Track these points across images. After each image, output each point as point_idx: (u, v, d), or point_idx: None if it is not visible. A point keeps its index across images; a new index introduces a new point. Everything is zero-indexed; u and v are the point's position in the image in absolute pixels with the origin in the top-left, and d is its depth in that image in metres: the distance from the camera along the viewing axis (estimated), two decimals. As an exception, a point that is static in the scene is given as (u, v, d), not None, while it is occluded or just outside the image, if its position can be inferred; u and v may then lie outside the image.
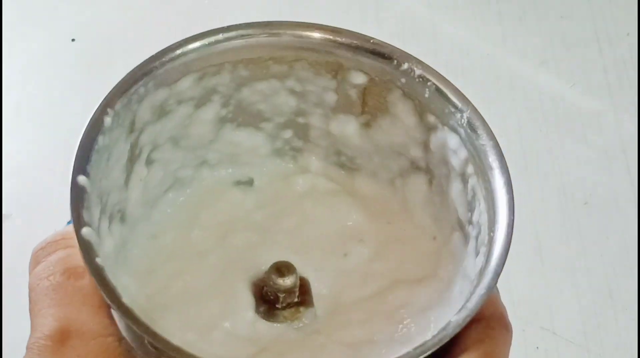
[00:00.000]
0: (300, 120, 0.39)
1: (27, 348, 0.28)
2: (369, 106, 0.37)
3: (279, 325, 0.35)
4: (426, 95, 0.35)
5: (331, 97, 0.38)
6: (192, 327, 0.34)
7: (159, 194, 0.38)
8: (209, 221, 0.38)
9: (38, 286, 0.30)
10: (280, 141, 0.40)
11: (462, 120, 0.34)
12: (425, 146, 0.37)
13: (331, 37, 0.36)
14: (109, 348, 0.28)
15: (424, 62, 0.35)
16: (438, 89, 0.35)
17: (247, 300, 0.36)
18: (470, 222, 0.34)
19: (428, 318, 0.34)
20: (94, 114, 0.33)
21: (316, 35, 0.36)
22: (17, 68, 0.68)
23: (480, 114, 0.34)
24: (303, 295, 0.36)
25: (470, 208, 0.34)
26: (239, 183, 0.40)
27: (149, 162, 0.37)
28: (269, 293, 0.35)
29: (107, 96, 0.33)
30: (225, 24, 0.37)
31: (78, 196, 0.30)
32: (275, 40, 0.36)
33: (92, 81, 0.67)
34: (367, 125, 0.38)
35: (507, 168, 0.33)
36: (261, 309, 0.35)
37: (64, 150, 0.68)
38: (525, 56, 0.66)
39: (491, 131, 0.34)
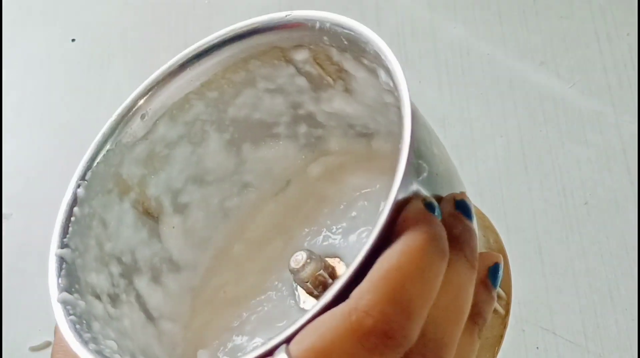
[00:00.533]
0: (301, 111, 0.39)
1: None
2: (331, 73, 0.38)
3: None
4: (345, 42, 0.35)
5: (301, 80, 0.38)
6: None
7: (212, 233, 0.40)
8: (251, 235, 0.39)
9: None
10: (302, 137, 0.40)
11: (371, 50, 0.34)
12: (383, 89, 0.37)
13: (250, 28, 0.37)
14: None
15: (333, 14, 0.36)
16: (348, 30, 0.35)
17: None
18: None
19: None
20: (69, 189, 0.35)
21: (235, 36, 0.37)
22: (17, 68, 0.69)
23: (380, 39, 0.34)
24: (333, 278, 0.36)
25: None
26: (279, 191, 0.41)
27: (181, 209, 0.38)
28: (300, 286, 0.36)
29: (77, 169, 0.35)
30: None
31: (58, 266, 0.33)
32: (212, 60, 0.37)
33: (92, 81, 0.67)
34: (347, 91, 0.38)
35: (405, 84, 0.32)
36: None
37: (64, 150, 0.68)
38: (525, 56, 0.66)
39: (390, 51, 0.33)
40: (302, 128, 0.40)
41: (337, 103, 0.39)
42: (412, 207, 0.27)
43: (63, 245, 0.34)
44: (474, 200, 0.62)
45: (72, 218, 0.34)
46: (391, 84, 0.33)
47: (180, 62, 0.37)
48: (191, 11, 0.69)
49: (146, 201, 0.37)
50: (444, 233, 0.27)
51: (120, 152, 0.36)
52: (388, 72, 0.32)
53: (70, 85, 0.68)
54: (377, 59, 0.33)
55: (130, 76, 0.67)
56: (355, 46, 0.35)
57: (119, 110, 0.37)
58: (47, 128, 0.66)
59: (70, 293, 0.32)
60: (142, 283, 0.36)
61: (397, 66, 0.31)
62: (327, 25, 0.35)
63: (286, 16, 0.36)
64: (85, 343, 0.31)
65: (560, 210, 0.58)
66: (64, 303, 0.32)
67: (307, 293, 0.36)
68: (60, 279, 0.33)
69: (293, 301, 0.37)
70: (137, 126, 0.36)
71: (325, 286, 0.36)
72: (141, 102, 0.36)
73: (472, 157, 0.61)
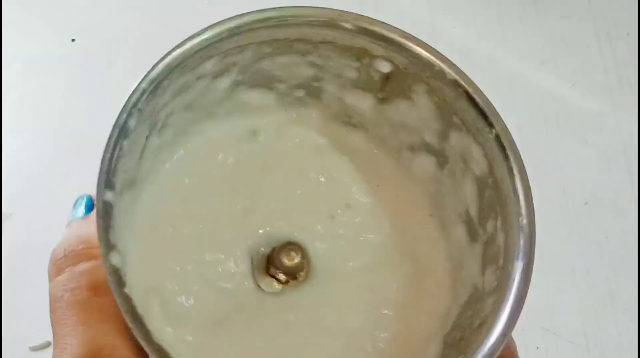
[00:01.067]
0: (315, 84, 0.38)
1: None
2: (389, 88, 0.36)
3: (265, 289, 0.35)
4: (453, 97, 0.34)
5: (352, 74, 0.37)
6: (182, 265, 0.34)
7: (170, 153, 0.37)
8: (206, 174, 0.37)
9: (62, 298, 0.30)
10: (291, 98, 0.39)
11: (490, 134, 0.34)
12: (444, 136, 0.36)
13: (365, 26, 0.36)
14: None
15: (458, 67, 0.35)
16: (469, 96, 0.34)
17: (244, 261, 0.35)
18: (481, 225, 0.34)
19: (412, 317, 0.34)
20: (118, 120, 0.32)
21: (348, 25, 0.36)
22: (17, 68, 0.68)
23: (509, 134, 0.34)
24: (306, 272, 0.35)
25: (483, 213, 0.34)
26: (243, 136, 0.39)
27: (162, 128, 0.36)
28: (272, 268, 0.35)
29: (130, 98, 0.33)
30: None
31: (106, 215, 0.29)
32: (305, 26, 0.35)
33: (92, 81, 0.67)
34: (383, 101, 0.37)
35: (533, 210, 0.33)
36: (258, 276, 0.35)
37: (64, 150, 0.68)
38: (525, 56, 0.66)
39: (520, 157, 0.34)
40: (300, 92, 0.39)
41: (363, 104, 0.38)
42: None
43: (112, 187, 0.30)
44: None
45: (120, 153, 0.32)
46: (491, 182, 0.34)
47: (263, 20, 0.35)
48: (191, 11, 0.69)
49: (155, 124, 0.36)
50: None
51: (170, 82, 0.35)
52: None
53: (70, 85, 0.68)
54: (494, 155, 0.34)
55: (130, 76, 0.67)
56: (464, 109, 0.34)
57: (184, 48, 0.35)
58: (47, 128, 0.66)
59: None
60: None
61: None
62: (449, 77, 0.35)
63: (405, 36, 0.36)
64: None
65: (560, 210, 0.58)
66: (119, 269, 0.29)
67: (270, 275, 0.35)
68: (110, 232, 0.29)
69: (251, 279, 0.35)
70: (200, 56, 0.35)
71: (294, 278, 0.35)
72: (211, 41, 0.35)
73: (472, 157, 0.61)
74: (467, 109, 0.34)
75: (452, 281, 0.35)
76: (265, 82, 0.38)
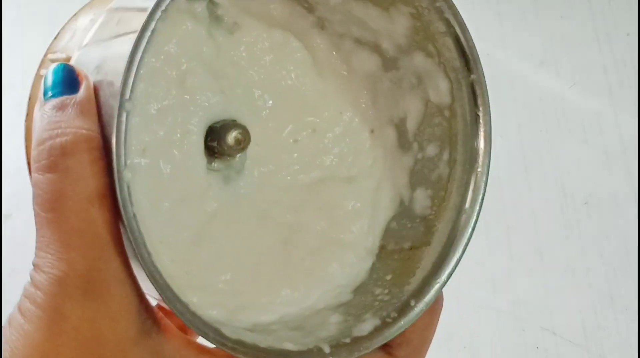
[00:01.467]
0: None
1: (57, 279, 0.26)
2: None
3: (228, 188, 0.35)
4: (439, 31, 0.35)
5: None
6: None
7: None
8: (176, 52, 0.35)
9: (52, 191, 0.26)
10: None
11: (466, 79, 0.35)
12: (404, 51, 0.36)
13: None
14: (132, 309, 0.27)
15: (455, 7, 0.35)
16: (457, 39, 0.35)
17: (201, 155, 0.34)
18: (416, 140, 0.35)
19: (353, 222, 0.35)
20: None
21: None
22: (17, 68, 0.69)
23: (484, 83, 0.35)
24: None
25: (423, 133, 0.35)
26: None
27: None
28: (217, 149, 0.34)
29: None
30: None
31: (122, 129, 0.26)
32: None
33: (92, 81, 0.67)
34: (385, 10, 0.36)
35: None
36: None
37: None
38: (525, 56, 0.66)
39: (489, 104, 0.35)
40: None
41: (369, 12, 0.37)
42: None
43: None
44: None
45: None
46: (447, 113, 0.35)
47: None
48: (191, 11, 0.69)
49: None
50: None
51: None
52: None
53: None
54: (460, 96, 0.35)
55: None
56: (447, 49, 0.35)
57: None
58: (47, 128, 0.66)
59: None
60: None
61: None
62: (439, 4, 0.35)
63: None
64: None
65: (560, 210, 0.58)
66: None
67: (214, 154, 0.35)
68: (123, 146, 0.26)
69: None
70: None
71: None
72: None
73: (472, 157, 0.61)
74: (450, 47, 0.35)
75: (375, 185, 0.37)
76: None
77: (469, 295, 0.54)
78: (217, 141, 0.34)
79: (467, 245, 0.33)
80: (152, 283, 0.26)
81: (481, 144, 0.35)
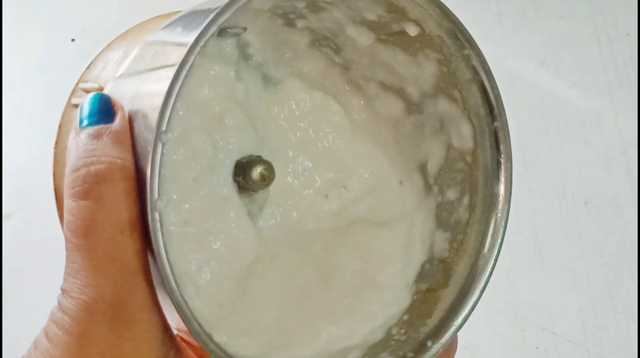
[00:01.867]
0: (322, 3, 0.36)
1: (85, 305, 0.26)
2: (399, 39, 0.37)
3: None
4: (466, 79, 0.36)
5: (370, 16, 0.36)
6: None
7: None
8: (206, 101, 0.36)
9: (86, 219, 0.26)
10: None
11: (489, 125, 0.35)
12: (430, 96, 0.37)
13: None
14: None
15: (482, 55, 0.36)
16: (482, 86, 0.36)
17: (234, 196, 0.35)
18: (437, 183, 0.36)
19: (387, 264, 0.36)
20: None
21: None
22: (17, 68, 0.69)
23: (507, 130, 0.35)
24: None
25: (444, 176, 0.36)
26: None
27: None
28: (241, 183, 0.35)
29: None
30: None
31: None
32: None
33: (92, 81, 0.67)
34: (382, 41, 0.37)
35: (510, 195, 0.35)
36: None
37: (64, 150, 0.68)
38: (525, 56, 0.66)
39: (511, 151, 0.35)
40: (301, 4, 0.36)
41: (364, 38, 0.37)
42: None
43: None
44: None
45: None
46: (469, 159, 0.35)
47: None
48: (191, 11, 0.69)
49: None
50: None
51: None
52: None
53: (70, 85, 0.68)
54: (483, 141, 0.35)
55: (130, 76, 0.67)
56: (472, 96, 0.36)
57: None
58: (47, 128, 0.66)
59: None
60: None
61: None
62: (473, 58, 0.36)
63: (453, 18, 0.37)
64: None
65: (560, 210, 0.58)
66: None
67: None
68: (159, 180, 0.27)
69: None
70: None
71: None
72: None
73: (472, 157, 0.61)
74: (475, 94, 0.36)
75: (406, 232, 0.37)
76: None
77: (469, 295, 0.54)
78: (243, 176, 0.35)
79: (484, 288, 0.34)
80: (179, 315, 0.26)
81: (501, 190, 0.35)
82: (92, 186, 0.26)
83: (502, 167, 0.35)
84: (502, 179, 0.35)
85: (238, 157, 0.35)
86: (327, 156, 0.38)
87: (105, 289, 0.26)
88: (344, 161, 0.38)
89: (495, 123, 0.35)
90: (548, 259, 0.56)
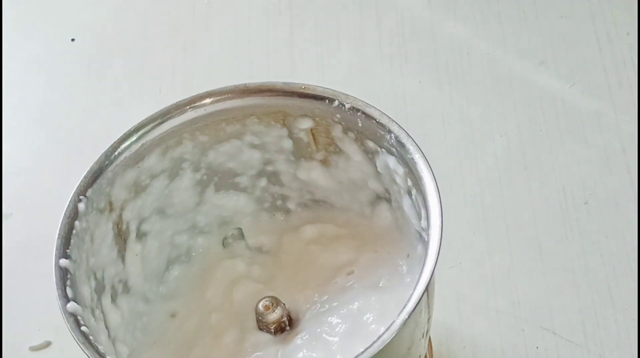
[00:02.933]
0: (269, 168, 0.43)
1: None
2: (320, 144, 0.41)
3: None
4: (359, 124, 0.38)
5: (287, 143, 0.41)
6: None
7: (162, 266, 0.43)
8: (215, 293, 0.42)
9: None
10: (258, 189, 0.44)
11: (392, 139, 0.37)
12: (376, 173, 0.40)
13: (267, 90, 0.39)
14: None
15: (350, 96, 0.39)
16: (367, 116, 0.38)
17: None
18: (423, 229, 0.38)
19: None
20: (69, 203, 0.37)
21: (255, 95, 0.40)
22: (17, 68, 0.69)
23: (405, 131, 0.37)
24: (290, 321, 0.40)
25: (420, 217, 0.38)
26: (229, 239, 0.44)
27: (141, 236, 0.41)
28: (262, 326, 0.40)
29: (78, 185, 0.37)
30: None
31: (62, 276, 0.34)
32: (220, 105, 0.40)
33: (92, 81, 0.67)
34: (325, 163, 0.41)
35: (434, 176, 0.36)
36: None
37: (64, 150, 0.68)
38: (524, 56, 0.66)
39: (416, 144, 0.37)
40: (262, 182, 0.43)
41: (313, 173, 0.42)
42: None
43: (66, 256, 0.35)
44: (474, 200, 0.63)
45: (73, 231, 0.36)
46: (410, 182, 0.37)
47: (188, 103, 0.39)
48: (191, 11, 0.69)
49: (121, 224, 0.39)
50: None
51: (115, 174, 0.38)
52: (416, 180, 0.36)
53: (70, 85, 0.68)
54: (401, 155, 0.37)
55: (130, 76, 0.67)
56: (370, 128, 0.38)
57: (122, 135, 0.39)
58: (47, 128, 0.66)
59: (77, 303, 0.34)
60: (106, 300, 0.38)
61: (431, 179, 0.36)
62: (347, 106, 0.38)
63: (304, 87, 0.39)
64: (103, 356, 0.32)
65: (560, 210, 0.58)
66: (75, 313, 0.33)
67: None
68: (67, 289, 0.34)
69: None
70: (134, 153, 0.39)
71: (283, 332, 0.40)
72: (144, 130, 0.39)
73: (471, 156, 0.61)
74: (370, 125, 0.38)
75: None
76: (227, 179, 0.43)
77: (468, 295, 0.54)
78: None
79: None
80: None
81: (424, 176, 0.37)
82: None
83: (416, 160, 0.37)
84: (422, 169, 0.37)
85: None
86: None
87: None
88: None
89: (392, 134, 0.38)
90: (548, 259, 0.56)
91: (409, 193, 0.38)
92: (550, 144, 0.61)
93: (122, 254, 0.40)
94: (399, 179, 0.39)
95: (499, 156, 0.61)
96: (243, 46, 0.67)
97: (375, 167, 0.40)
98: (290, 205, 0.44)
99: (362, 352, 0.31)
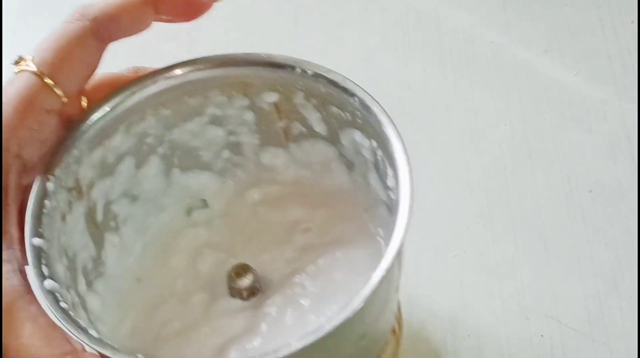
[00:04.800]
0: (232, 138, 0.42)
1: None
2: (282, 113, 0.41)
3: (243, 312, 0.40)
4: (322, 89, 0.38)
5: (249, 115, 0.41)
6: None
7: (138, 250, 0.43)
8: (178, 260, 0.43)
9: None
10: (221, 161, 0.43)
11: (356, 103, 0.37)
12: (339, 143, 0.40)
13: (230, 61, 0.39)
14: None
15: (313, 63, 0.38)
16: (330, 81, 0.38)
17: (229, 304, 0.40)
18: (391, 189, 0.37)
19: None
20: (38, 182, 0.36)
21: (217, 66, 0.40)
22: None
23: (369, 95, 0.37)
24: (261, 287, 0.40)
25: (387, 176, 0.37)
26: (192, 209, 0.44)
27: (116, 229, 0.41)
28: (234, 292, 0.40)
29: (45, 163, 0.37)
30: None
31: (36, 255, 0.34)
32: (182, 78, 0.40)
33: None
34: (289, 138, 0.42)
35: (400, 136, 0.35)
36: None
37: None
38: (529, 44, 0.65)
39: (381, 106, 0.37)
40: (225, 153, 0.43)
41: (276, 158, 0.43)
42: None
43: (40, 235, 0.35)
44: (478, 188, 0.63)
45: (44, 210, 0.35)
46: (375, 143, 0.37)
47: (151, 76, 0.40)
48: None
49: (94, 213, 0.39)
50: None
51: (81, 152, 0.38)
52: (383, 141, 0.36)
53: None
54: (365, 119, 0.37)
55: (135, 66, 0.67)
56: (333, 97, 0.38)
57: (85, 111, 0.38)
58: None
59: (55, 281, 0.34)
60: (80, 282, 0.38)
61: (398, 142, 0.35)
62: (309, 72, 0.38)
63: (268, 57, 0.39)
64: (86, 332, 0.31)
65: (564, 198, 0.58)
66: (53, 290, 0.33)
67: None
68: (43, 268, 0.34)
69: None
70: (100, 131, 0.39)
71: (255, 295, 0.40)
72: (107, 105, 0.39)
73: (476, 145, 0.61)
74: (334, 91, 0.38)
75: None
76: (192, 156, 0.43)
77: (473, 283, 0.54)
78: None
79: None
80: None
81: (390, 136, 0.36)
82: None
83: (382, 121, 0.36)
84: (388, 129, 0.36)
85: None
86: None
87: None
88: None
89: (356, 97, 0.37)
90: (552, 247, 0.56)
91: (375, 165, 0.38)
92: (555, 133, 0.61)
93: (98, 246, 0.40)
94: (364, 151, 0.39)
95: (504, 144, 0.61)
96: (247, 36, 0.67)
97: (337, 136, 0.40)
98: (239, 172, 0.44)
99: (344, 309, 0.30)
